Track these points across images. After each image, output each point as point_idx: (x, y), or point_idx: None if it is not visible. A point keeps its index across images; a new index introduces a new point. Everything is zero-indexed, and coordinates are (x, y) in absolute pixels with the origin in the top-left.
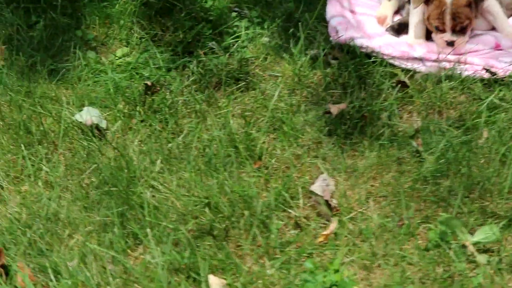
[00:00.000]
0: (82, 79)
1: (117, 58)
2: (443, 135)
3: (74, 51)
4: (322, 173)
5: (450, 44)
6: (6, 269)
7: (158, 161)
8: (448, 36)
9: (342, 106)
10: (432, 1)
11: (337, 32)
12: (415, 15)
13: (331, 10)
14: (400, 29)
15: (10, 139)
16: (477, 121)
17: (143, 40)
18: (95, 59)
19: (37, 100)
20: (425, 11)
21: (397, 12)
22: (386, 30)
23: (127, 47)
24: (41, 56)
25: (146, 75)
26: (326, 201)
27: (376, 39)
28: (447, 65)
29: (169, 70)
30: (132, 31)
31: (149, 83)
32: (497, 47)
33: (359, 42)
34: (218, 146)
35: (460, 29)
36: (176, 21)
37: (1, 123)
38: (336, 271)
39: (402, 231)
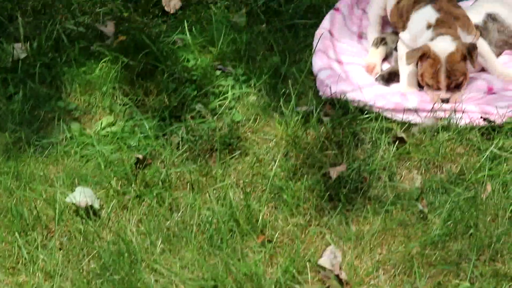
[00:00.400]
0: (69, 154)
1: (102, 128)
2: (447, 193)
3: (58, 123)
4: (328, 244)
5: (445, 101)
6: None
7: (159, 242)
8: (443, 94)
9: (341, 168)
10: (426, 59)
11: (327, 86)
12: (409, 65)
13: (318, 62)
14: (390, 78)
15: (3, 227)
16: (480, 175)
17: (127, 106)
18: (80, 131)
19: (26, 182)
20: (419, 68)
21: (385, 59)
22: (376, 79)
23: (111, 115)
24: (24, 131)
25: (133, 145)
26: (336, 275)
27: (367, 90)
28: (442, 114)
29: (157, 137)
30: (115, 97)
31: (140, 156)
32: (490, 91)
33: (350, 96)
34: (218, 222)
35: (455, 86)
36: (159, 84)
37: None
38: None
39: None
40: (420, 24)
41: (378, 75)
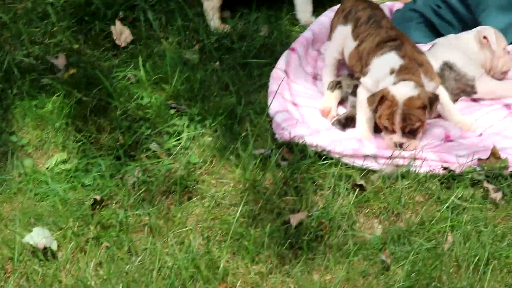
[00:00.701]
0: (23, 192)
1: (55, 165)
2: (409, 244)
3: (10, 159)
4: None
5: (399, 146)
6: None
7: (119, 287)
8: (397, 137)
9: (301, 215)
10: (384, 101)
11: (283, 129)
12: (366, 111)
13: (275, 105)
14: (347, 123)
15: None
16: (441, 226)
17: (80, 143)
18: (32, 168)
19: None
20: (378, 110)
21: (340, 103)
22: (332, 123)
23: (64, 151)
24: None
25: (88, 183)
26: None
27: (324, 134)
28: (401, 161)
29: (112, 177)
30: (68, 134)
31: (97, 197)
32: (447, 138)
33: (309, 140)
34: (179, 268)
35: (409, 131)
36: (112, 121)
37: None
38: None
39: None
40: (383, 69)
41: (334, 119)
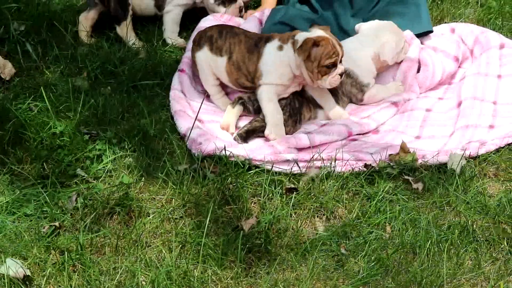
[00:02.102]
0: None
1: None
2: (358, 237)
3: None
4: None
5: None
6: None
7: None
8: (341, 67)
9: (252, 221)
10: (315, 45)
11: (200, 144)
12: (278, 110)
13: (183, 123)
14: (248, 136)
15: None
16: (378, 218)
17: (6, 175)
18: None
19: None
20: (313, 57)
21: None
22: (234, 139)
23: None
24: None
25: (30, 213)
26: None
27: (239, 145)
28: (319, 163)
29: (54, 204)
30: None
31: (56, 224)
32: (350, 135)
33: (229, 152)
34: (159, 283)
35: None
36: (31, 151)
37: None
38: None
39: None
40: (281, 57)
41: (235, 134)
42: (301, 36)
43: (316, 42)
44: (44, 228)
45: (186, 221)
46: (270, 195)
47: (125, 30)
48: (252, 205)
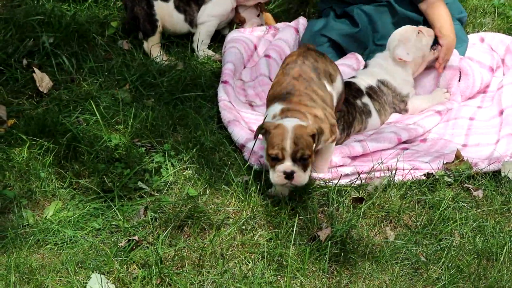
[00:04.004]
0: (41, 244)
1: (55, 213)
2: (432, 244)
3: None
4: None
5: (288, 176)
6: None
7: None
8: (287, 165)
9: (327, 231)
10: (269, 132)
11: (262, 156)
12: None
13: (241, 133)
14: None
15: None
16: (447, 226)
17: (67, 189)
18: (34, 219)
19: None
20: (267, 143)
21: None
22: None
23: (56, 200)
24: None
25: (98, 227)
26: None
27: None
28: (378, 174)
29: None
30: (52, 182)
31: (136, 238)
32: (399, 141)
33: None
34: None
35: (300, 158)
36: (89, 165)
37: None
38: None
39: None
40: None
41: None
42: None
43: (267, 131)
44: (121, 243)
45: (259, 232)
46: (336, 205)
47: (151, 47)
48: (319, 215)
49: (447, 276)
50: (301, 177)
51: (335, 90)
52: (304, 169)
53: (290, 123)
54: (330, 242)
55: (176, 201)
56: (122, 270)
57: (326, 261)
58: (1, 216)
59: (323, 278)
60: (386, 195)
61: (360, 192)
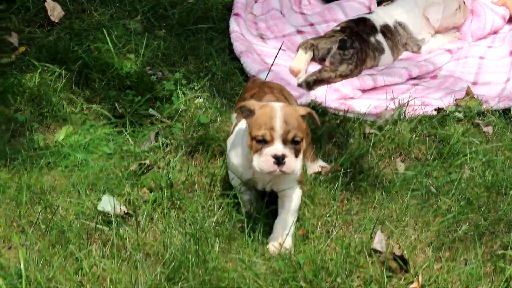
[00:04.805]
0: (51, 166)
1: (66, 137)
2: (441, 177)
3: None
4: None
5: (278, 161)
6: None
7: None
8: (278, 148)
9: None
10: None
11: None
12: None
13: (253, 65)
14: (313, 85)
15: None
16: (458, 160)
17: (78, 115)
18: (44, 142)
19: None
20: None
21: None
22: (299, 84)
23: (66, 124)
24: None
25: (108, 152)
26: (399, 256)
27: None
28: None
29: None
30: (63, 107)
31: (147, 162)
32: (409, 77)
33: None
34: None
35: (292, 140)
36: (100, 92)
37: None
38: None
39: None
40: None
41: (302, 79)
42: None
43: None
44: (132, 167)
45: None
46: (350, 138)
47: None
48: (330, 146)
49: (457, 208)
50: (292, 163)
51: None
52: (296, 154)
53: (277, 104)
54: (341, 171)
55: (187, 128)
56: (133, 193)
57: (337, 189)
58: (12, 139)
59: (333, 206)
60: (397, 128)
61: (368, 125)
